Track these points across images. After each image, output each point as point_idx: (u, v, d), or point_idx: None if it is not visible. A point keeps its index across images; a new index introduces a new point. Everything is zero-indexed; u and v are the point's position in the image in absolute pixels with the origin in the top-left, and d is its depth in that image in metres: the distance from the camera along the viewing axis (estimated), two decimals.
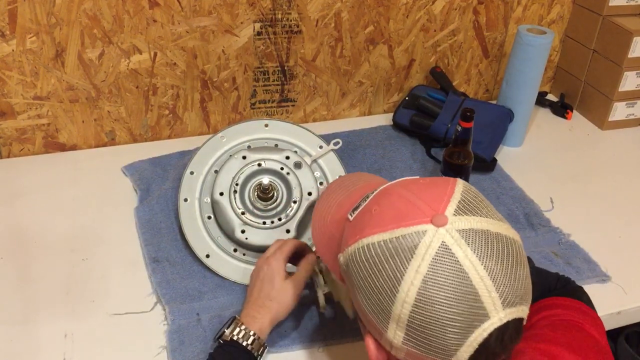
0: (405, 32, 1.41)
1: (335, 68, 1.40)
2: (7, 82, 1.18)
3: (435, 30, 1.43)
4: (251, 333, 0.80)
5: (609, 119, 1.47)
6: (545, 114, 1.55)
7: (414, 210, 0.59)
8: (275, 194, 1.03)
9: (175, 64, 1.27)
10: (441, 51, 1.47)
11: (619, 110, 1.46)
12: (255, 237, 1.00)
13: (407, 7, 1.37)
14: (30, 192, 1.16)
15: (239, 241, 1.00)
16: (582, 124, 1.52)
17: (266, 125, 1.10)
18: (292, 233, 1.01)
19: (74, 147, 1.30)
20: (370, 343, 0.63)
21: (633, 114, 1.49)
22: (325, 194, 0.78)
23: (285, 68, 1.36)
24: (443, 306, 0.54)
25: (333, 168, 1.09)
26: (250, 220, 1.01)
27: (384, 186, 0.66)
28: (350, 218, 0.66)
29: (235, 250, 1.02)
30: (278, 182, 1.04)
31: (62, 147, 1.29)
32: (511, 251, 0.57)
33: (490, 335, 0.55)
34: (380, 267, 0.57)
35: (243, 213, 1.01)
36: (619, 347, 1.21)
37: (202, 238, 1.02)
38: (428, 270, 0.55)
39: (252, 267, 1.00)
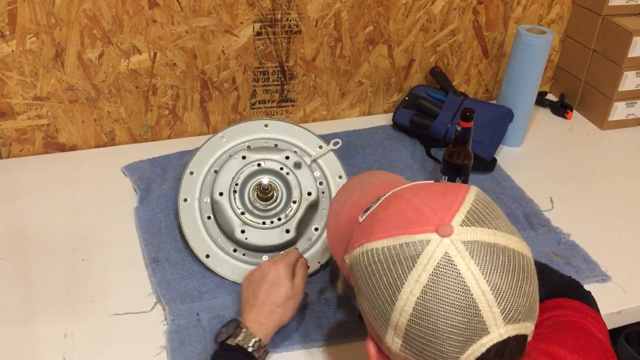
0: (405, 32, 1.41)
1: (335, 68, 1.40)
2: (7, 82, 1.18)
3: (435, 30, 1.43)
4: (257, 339, 0.81)
5: (609, 119, 1.47)
6: (545, 113, 1.55)
7: (420, 218, 0.58)
8: (275, 194, 1.03)
9: (175, 64, 1.27)
10: (441, 51, 1.47)
11: (619, 110, 1.46)
12: (255, 237, 1.00)
13: (406, 7, 1.37)
14: (30, 192, 1.16)
15: (239, 241, 1.00)
16: (582, 124, 1.52)
17: (266, 125, 1.10)
18: (292, 233, 1.01)
19: (73, 148, 1.30)
20: (371, 346, 0.63)
21: (633, 114, 1.49)
22: (342, 192, 0.78)
23: (285, 68, 1.36)
24: (441, 318, 0.53)
25: (333, 168, 1.08)
26: (250, 220, 1.01)
27: (394, 190, 0.65)
28: (360, 220, 0.65)
29: (235, 250, 1.02)
30: (278, 182, 1.04)
31: (62, 148, 1.30)
32: (518, 266, 0.56)
33: (489, 350, 0.54)
34: (382, 273, 0.57)
35: (243, 213, 1.01)
36: (619, 347, 1.22)
37: (201, 238, 1.02)
38: (428, 281, 0.54)
39: (252, 267, 1.00)
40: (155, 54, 1.25)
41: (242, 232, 1.00)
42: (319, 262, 1.02)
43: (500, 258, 0.55)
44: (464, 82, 1.55)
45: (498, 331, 0.53)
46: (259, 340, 0.81)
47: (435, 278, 0.54)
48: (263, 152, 1.05)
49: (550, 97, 1.61)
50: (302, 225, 1.03)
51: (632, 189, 1.29)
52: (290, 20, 1.30)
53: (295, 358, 0.88)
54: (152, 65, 1.26)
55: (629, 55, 1.38)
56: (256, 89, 1.37)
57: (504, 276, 0.54)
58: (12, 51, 1.15)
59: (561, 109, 1.54)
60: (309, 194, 1.03)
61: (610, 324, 0.99)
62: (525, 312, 0.55)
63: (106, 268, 1.01)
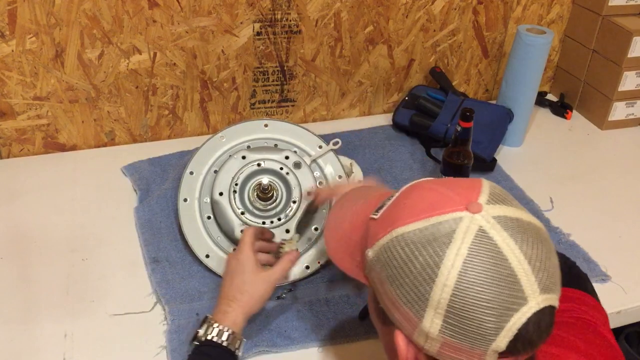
0: (405, 32, 1.41)
1: (335, 68, 1.40)
2: (6, 82, 1.18)
3: (434, 30, 1.43)
4: (225, 329, 0.80)
5: (609, 119, 1.47)
6: (545, 113, 1.55)
7: (447, 200, 0.59)
8: (274, 194, 1.03)
9: (174, 64, 1.27)
10: (441, 51, 1.47)
11: (619, 110, 1.46)
12: None
13: (406, 7, 1.37)
14: (30, 192, 1.16)
15: (239, 241, 1.00)
16: (581, 124, 1.52)
17: (266, 125, 1.10)
18: (292, 233, 1.01)
19: (73, 148, 1.30)
20: (400, 339, 0.61)
21: (633, 114, 1.49)
22: (337, 207, 0.78)
23: (285, 68, 1.36)
24: (483, 288, 0.54)
25: (332, 168, 1.08)
26: (250, 220, 1.01)
27: (412, 183, 0.66)
28: (376, 217, 0.65)
29: (234, 250, 1.02)
30: (277, 182, 1.04)
31: (62, 148, 1.30)
32: (542, 238, 0.58)
33: (529, 320, 0.54)
34: (417, 253, 0.57)
35: (243, 213, 1.01)
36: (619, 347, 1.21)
37: (201, 238, 1.02)
38: (468, 253, 0.54)
39: None
40: (155, 54, 1.25)
41: (242, 232, 1.00)
42: (318, 262, 1.02)
43: (528, 231, 0.57)
44: (464, 82, 1.55)
45: (536, 300, 0.54)
46: (227, 330, 0.80)
47: (474, 250, 0.55)
48: (263, 152, 1.05)
49: (550, 97, 1.61)
50: (302, 225, 1.03)
51: (632, 189, 1.29)
52: (290, 20, 1.30)
53: (295, 358, 0.88)
54: (152, 65, 1.26)
55: (628, 55, 1.38)
56: (256, 89, 1.37)
57: (534, 247, 0.56)
58: (12, 51, 1.15)
59: (561, 109, 1.54)
60: (309, 194, 1.03)
61: (610, 324, 0.99)
62: (555, 282, 0.57)
63: (106, 268, 1.01)
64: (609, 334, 0.73)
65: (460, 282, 0.54)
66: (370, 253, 0.63)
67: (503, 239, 0.55)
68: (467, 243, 0.55)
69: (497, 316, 0.54)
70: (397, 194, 0.65)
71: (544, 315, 0.55)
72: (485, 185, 0.61)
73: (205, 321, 0.81)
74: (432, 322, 0.56)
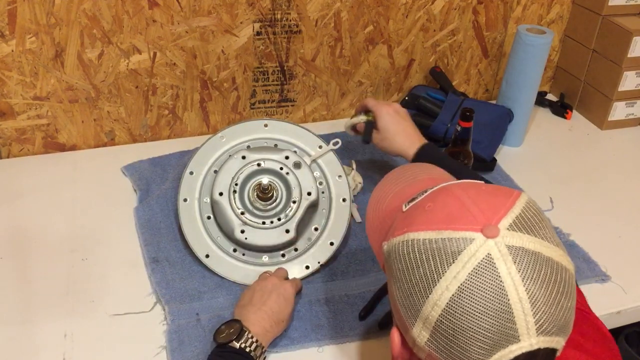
0: (405, 32, 1.41)
1: (335, 68, 1.40)
2: (6, 82, 1.18)
3: (434, 30, 1.43)
4: (260, 345, 0.82)
5: (609, 119, 1.47)
6: (545, 113, 1.55)
7: (467, 215, 0.56)
8: (274, 193, 1.03)
9: (174, 64, 1.27)
10: (441, 51, 1.47)
11: (619, 110, 1.46)
12: (255, 237, 1.00)
13: (406, 7, 1.37)
14: (30, 192, 1.16)
15: (239, 241, 1.00)
16: (581, 124, 1.52)
17: (266, 125, 1.10)
18: (292, 233, 1.01)
19: (73, 147, 1.30)
20: (395, 337, 0.61)
21: (633, 114, 1.49)
22: (385, 181, 0.77)
23: (285, 68, 1.36)
24: (474, 318, 0.52)
25: (333, 168, 1.08)
26: (250, 220, 1.01)
27: (443, 185, 0.63)
28: (404, 209, 0.64)
29: (234, 250, 1.02)
30: (277, 182, 1.04)
31: (62, 147, 1.30)
32: (559, 279, 0.54)
33: (517, 358, 0.53)
34: (419, 264, 0.56)
35: (242, 213, 1.01)
36: (619, 347, 1.21)
37: (201, 238, 1.02)
38: (466, 279, 0.53)
39: (252, 267, 1.00)
40: (155, 54, 1.25)
41: (242, 232, 1.00)
42: (318, 262, 1.02)
43: (543, 268, 0.54)
44: (464, 82, 1.55)
45: (529, 341, 0.52)
46: (262, 347, 0.82)
47: (473, 277, 0.53)
48: (263, 152, 1.05)
49: (550, 97, 1.61)
50: (302, 225, 1.03)
51: (632, 189, 1.29)
52: (290, 20, 1.30)
53: (295, 358, 0.88)
54: (152, 65, 1.26)
55: (628, 55, 1.38)
56: (256, 88, 1.37)
57: (543, 287, 0.53)
58: (12, 51, 1.15)
59: (561, 109, 1.54)
60: (309, 194, 1.03)
61: (610, 324, 0.99)
62: (559, 327, 0.54)
63: (106, 268, 1.01)
64: (599, 321, 0.72)
65: (451, 307, 0.53)
66: (385, 246, 0.63)
67: (509, 272, 0.52)
68: (469, 269, 0.53)
69: (482, 347, 0.53)
70: (429, 192, 0.63)
71: (536, 357, 0.53)
72: (518, 206, 0.57)
73: (243, 329, 0.81)
74: (420, 333, 0.56)
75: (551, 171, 1.33)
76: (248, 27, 1.28)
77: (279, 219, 1.02)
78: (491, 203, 0.57)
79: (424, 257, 0.56)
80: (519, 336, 0.52)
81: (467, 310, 0.53)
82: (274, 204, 1.03)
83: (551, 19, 1.52)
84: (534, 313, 0.52)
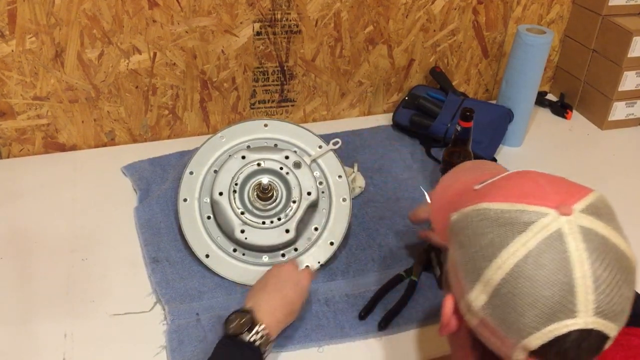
0: (405, 32, 1.41)
1: (335, 68, 1.40)
2: (6, 82, 1.18)
3: (434, 30, 1.43)
4: (271, 340, 0.82)
5: (609, 119, 1.47)
6: (545, 113, 1.55)
7: (542, 194, 0.58)
8: (274, 193, 1.03)
9: (174, 64, 1.27)
10: (441, 51, 1.47)
11: (619, 110, 1.46)
12: (255, 236, 1.00)
13: (406, 7, 1.37)
14: (30, 192, 1.16)
15: (239, 241, 1.00)
16: (581, 124, 1.52)
17: (265, 125, 1.10)
18: (292, 233, 1.01)
19: (73, 148, 1.30)
20: (448, 303, 0.63)
21: (633, 114, 1.49)
22: (457, 170, 0.80)
23: (285, 68, 1.36)
24: (535, 285, 0.53)
25: (333, 168, 1.08)
26: (250, 220, 1.01)
27: (523, 170, 0.66)
28: (477, 188, 0.66)
29: (234, 250, 1.02)
30: (277, 182, 1.04)
31: (62, 148, 1.30)
32: (623, 267, 0.55)
33: (570, 334, 0.53)
34: (489, 230, 0.57)
35: (242, 213, 1.01)
36: None
37: (201, 238, 1.02)
38: (535, 247, 0.54)
39: (252, 267, 1.00)
40: (155, 54, 1.25)
41: (242, 232, 1.00)
42: (318, 262, 1.02)
43: (610, 253, 0.55)
44: (464, 82, 1.55)
45: (585, 319, 0.53)
46: (271, 340, 0.82)
47: (542, 247, 0.54)
48: (263, 152, 1.05)
49: (550, 97, 1.61)
50: (302, 225, 1.03)
51: (632, 189, 1.29)
52: (290, 20, 1.30)
53: (295, 358, 0.88)
54: (152, 65, 1.26)
55: (628, 55, 1.38)
56: (256, 89, 1.37)
57: (607, 270, 0.54)
58: (12, 51, 1.15)
59: (561, 109, 1.54)
60: (309, 193, 1.03)
61: None
62: (615, 313, 0.55)
63: (106, 268, 1.01)
64: None
65: (515, 271, 0.54)
66: (453, 217, 0.64)
67: (577, 249, 0.54)
68: (539, 239, 0.54)
69: (538, 316, 0.54)
70: (504, 174, 0.66)
71: (589, 337, 0.54)
72: (592, 197, 0.59)
73: (253, 322, 0.81)
74: (478, 297, 0.57)
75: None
76: (248, 27, 1.28)
77: (279, 219, 1.02)
78: (566, 188, 0.60)
79: (494, 224, 0.58)
80: (576, 312, 0.53)
81: (530, 277, 0.54)
82: (274, 204, 1.03)
83: (551, 19, 1.52)
84: (595, 292, 0.53)
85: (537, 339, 0.54)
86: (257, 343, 0.79)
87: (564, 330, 0.53)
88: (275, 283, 0.87)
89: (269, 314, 0.82)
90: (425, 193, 1.06)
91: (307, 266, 1.00)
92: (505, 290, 0.55)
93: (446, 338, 0.68)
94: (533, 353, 0.55)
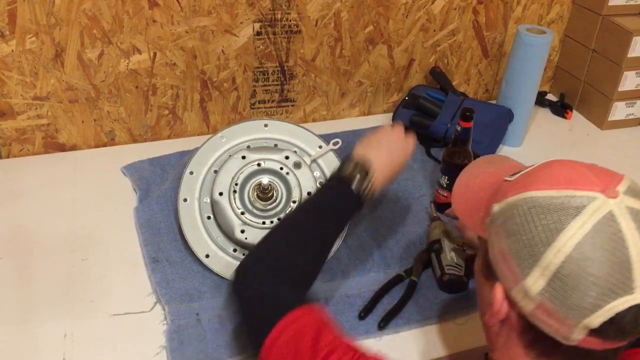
0: (405, 32, 1.41)
1: (335, 68, 1.40)
2: (6, 82, 1.18)
3: (434, 30, 1.43)
4: (374, 194, 0.84)
5: (609, 119, 1.47)
6: (545, 113, 1.55)
7: (586, 179, 0.60)
8: (274, 193, 1.03)
9: (174, 64, 1.27)
10: (441, 51, 1.47)
11: (619, 110, 1.46)
12: (255, 237, 1.00)
13: (406, 7, 1.37)
14: (30, 192, 1.16)
15: (239, 241, 1.00)
16: (581, 124, 1.52)
17: (266, 125, 1.10)
18: None
19: (73, 148, 1.30)
20: (499, 291, 0.64)
21: (633, 114, 1.49)
22: (471, 167, 0.81)
23: (285, 68, 1.36)
24: (595, 264, 0.55)
25: (332, 168, 1.08)
26: (250, 220, 1.01)
27: (553, 159, 0.67)
28: (510, 179, 0.67)
29: (235, 250, 1.02)
30: (277, 182, 1.04)
31: (62, 148, 1.30)
32: None
33: (629, 309, 0.55)
34: (542, 216, 0.59)
35: (243, 213, 1.01)
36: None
37: (201, 238, 1.02)
38: (591, 229, 0.56)
39: None
40: (155, 54, 1.25)
41: (242, 232, 1.00)
42: None
43: None
44: (464, 82, 1.55)
45: None
46: (371, 198, 0.84)
47: (598, 228, 0.56)
48: (263, 152, 1.05)
49: (550, 97, 1.61)
50: None
51: None
52: (290, 20, 1.30)
53: None
54: (152, 65, 1.26)
55: (628, 55, 1.38)
56: (256, 89, 1.37)
57: None
58: (12, 51, 1.15)
59: (561, 109, 1.54)
60: (309, 193, 1.03)
61: None
62: None
63: (106, 268, 1.01)
64: None
65: (575, 252, 0.56)
66: (496, 207, 0.66)
67: (630, 228, 0.56)
68: (593, 221, 0.57)
69: (599, 294, 0.56)
70: (535, 165, 0.67)
71: None
72: (627, 179, 0.62)
73: (367, 174, 0.83)
74: (536, 282, 0.59)
75: None
76: (248, 27, 1.28)
77: (279, 219, 1.02)
78: (605, 173, 0.62)
79: (546, 211, 0.59)
80: (633, 288, 0.55)
81: (589, 257, 0.56)
82: (274, 204, 1.03)
83: (551, 19, 1.52)
84: None
85: (598, 317, 0.56)
86: (365, 192, 0.82)
87: (625, 306, 0.55)
88: (387, 143, 0.89)
89: (377, 171, 0.85)
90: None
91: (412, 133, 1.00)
92: (565, 272, 0.57)
93: (480, 327, 0.71)
94: (593, 331, 0.57)
